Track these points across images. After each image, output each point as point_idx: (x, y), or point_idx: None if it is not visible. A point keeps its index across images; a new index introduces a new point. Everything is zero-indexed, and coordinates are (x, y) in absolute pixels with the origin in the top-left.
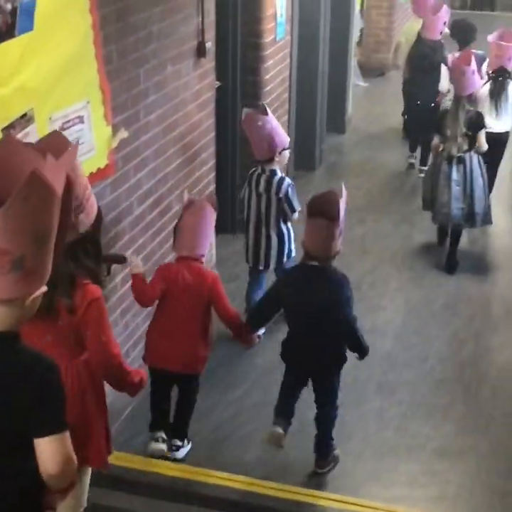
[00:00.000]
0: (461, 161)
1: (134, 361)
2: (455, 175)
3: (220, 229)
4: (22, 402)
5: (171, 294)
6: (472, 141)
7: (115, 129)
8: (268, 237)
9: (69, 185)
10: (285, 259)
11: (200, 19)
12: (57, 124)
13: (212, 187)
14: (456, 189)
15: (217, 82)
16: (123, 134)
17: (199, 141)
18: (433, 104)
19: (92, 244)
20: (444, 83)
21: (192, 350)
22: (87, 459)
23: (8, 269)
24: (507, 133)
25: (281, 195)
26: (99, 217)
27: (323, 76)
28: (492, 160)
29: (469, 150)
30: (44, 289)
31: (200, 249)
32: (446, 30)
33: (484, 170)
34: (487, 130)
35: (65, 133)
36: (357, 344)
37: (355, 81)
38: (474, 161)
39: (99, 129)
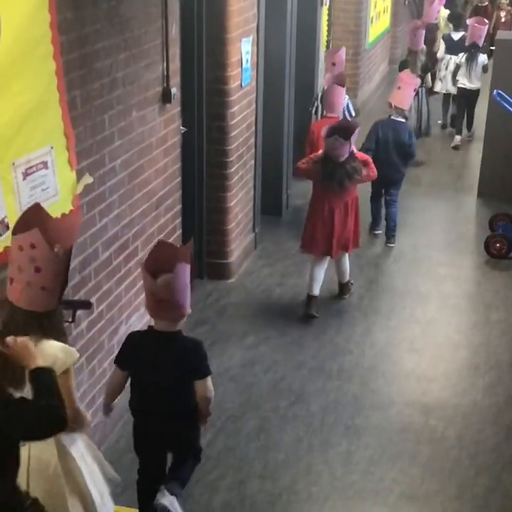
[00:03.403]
0: (416, 93)
1: (99, 409)
2: (413, 103)
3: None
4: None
5: None
6: (422, 81)
7: (80, 175)
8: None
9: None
10: None
11: (165, 65)
12: (21, 170)
13: (178, 232)
14: (413, 111)
15: (183, 128)
16: (88, 179)
17: (165, 186)
18: None
19: None
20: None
21: None
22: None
23: None
24: (478, 90)
25: None
26: None
27: (289, 121)
28: (469, 107)
29: (421, 86)
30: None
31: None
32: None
33: (427, 101)
34: (465, 87)
35: (29, 178)
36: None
37: None
38: (424, 94)
39: (63, 174)
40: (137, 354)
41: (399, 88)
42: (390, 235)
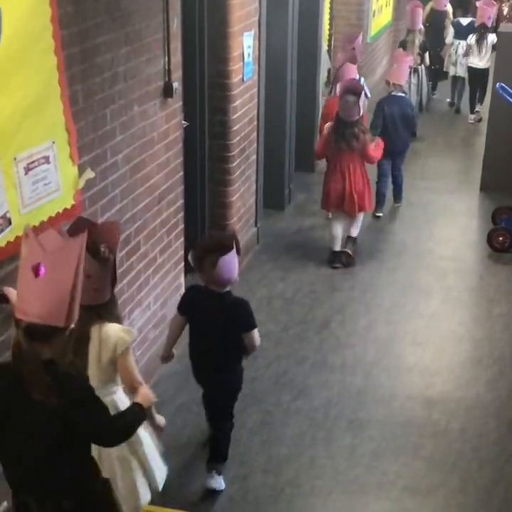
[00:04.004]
0: (416, 71)
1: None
2: (413, 80)
3: (189, 269)
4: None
5: None
6: (421, 59)
7: (82, 169)
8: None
9: None
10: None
11: (167, 59)
12: (22, 165)
13: (180, 227)
14: (413, 88)
15: (185, 122)
16: (89, 173)
17: (167, 180)
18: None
19: None
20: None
21: None
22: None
23: None
24: (487, 69)
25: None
26: None
27: (292, 115)
28: (481, 85)
29: (420, 64)
30: None
31: None
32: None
33: (427, 78)
34: (476, 66)
35: (31, 173)
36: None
37: None
38: (423, 71)
39: (65, 169)
40: (193, 304)
41: (395, 66)
42: (397, 194)
